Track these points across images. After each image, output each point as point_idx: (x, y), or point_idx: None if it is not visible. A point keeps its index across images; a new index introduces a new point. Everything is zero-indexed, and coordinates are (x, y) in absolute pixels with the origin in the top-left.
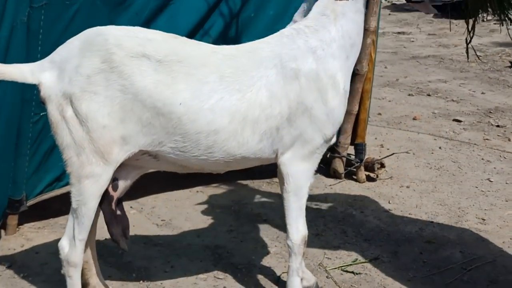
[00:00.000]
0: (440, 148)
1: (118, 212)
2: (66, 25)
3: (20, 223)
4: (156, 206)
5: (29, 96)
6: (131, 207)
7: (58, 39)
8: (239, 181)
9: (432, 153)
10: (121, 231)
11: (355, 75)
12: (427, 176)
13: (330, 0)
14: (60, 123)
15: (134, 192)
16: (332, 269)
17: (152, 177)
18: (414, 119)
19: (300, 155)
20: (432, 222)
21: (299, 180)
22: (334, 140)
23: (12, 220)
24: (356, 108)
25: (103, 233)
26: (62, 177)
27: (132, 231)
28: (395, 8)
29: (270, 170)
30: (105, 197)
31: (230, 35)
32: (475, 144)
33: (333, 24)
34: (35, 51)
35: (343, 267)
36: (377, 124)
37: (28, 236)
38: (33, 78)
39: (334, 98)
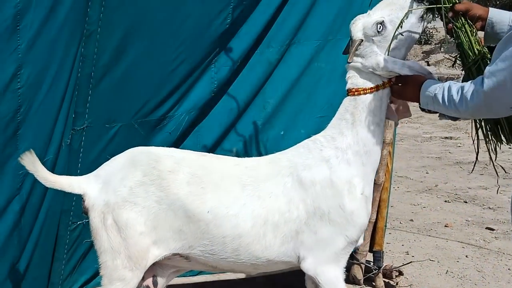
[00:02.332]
0: (466, 256)
1: None
2: (105, 145)
3: None
4: None
5: (67, 207)
6: None
7: (97, 158)
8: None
9: (458, 261)
10: None
11: None
12: (448, 285)
13: (351, 103)
14: (100, 230)
15: None
16: None
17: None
18: (445, 226)
19: (325, 259)
20: None
21: (335, 285)
22: (360, 241)
23: None
24: (374, 216)
25: None
26: (94, 279)
27: None
28: None
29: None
30: None
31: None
32: (504, 253)
33: (350, 129)
34: (75, 168)
35: None
36: (407, 230)
37: None
38: (79, 189)
39: (352, 202)
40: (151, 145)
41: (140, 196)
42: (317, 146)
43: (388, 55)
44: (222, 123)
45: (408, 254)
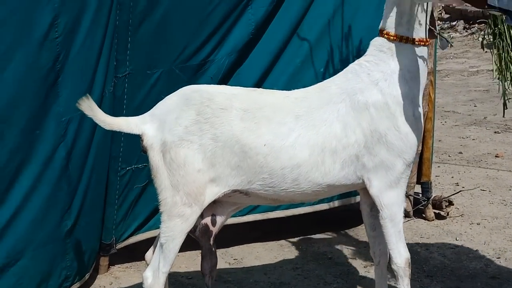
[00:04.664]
0: None
1: (213, 249)
2: (148, 91)
3: (111, 263)
4: (230, 246)
5: (116, 153)
6: None
7: (140, 104)
8: (309, 224)
9: (510, 189)
10: (210, 267)
11: None
12: (501, 213)
13: (384, 40)
14: (160, 168)
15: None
16: None
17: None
18: (496, 156)
19: (387, 183)
20: (499, 258)
21: (392, 207)
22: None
23: (104, 261)
24: (419, 147)
25: (178, 269)
26: (147, 223)
27: None
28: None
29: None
30: (205, 232)
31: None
32: None
33: (391, 59)
34: (120, 115)
35: None
36: (456, 163)
37: (117, 275)
38: (137, 129)
39: (405, 124)
40: None
41: (196, 134)
42: (364, 70)
43: None
44: (262, 65)
45: (458, 185)
